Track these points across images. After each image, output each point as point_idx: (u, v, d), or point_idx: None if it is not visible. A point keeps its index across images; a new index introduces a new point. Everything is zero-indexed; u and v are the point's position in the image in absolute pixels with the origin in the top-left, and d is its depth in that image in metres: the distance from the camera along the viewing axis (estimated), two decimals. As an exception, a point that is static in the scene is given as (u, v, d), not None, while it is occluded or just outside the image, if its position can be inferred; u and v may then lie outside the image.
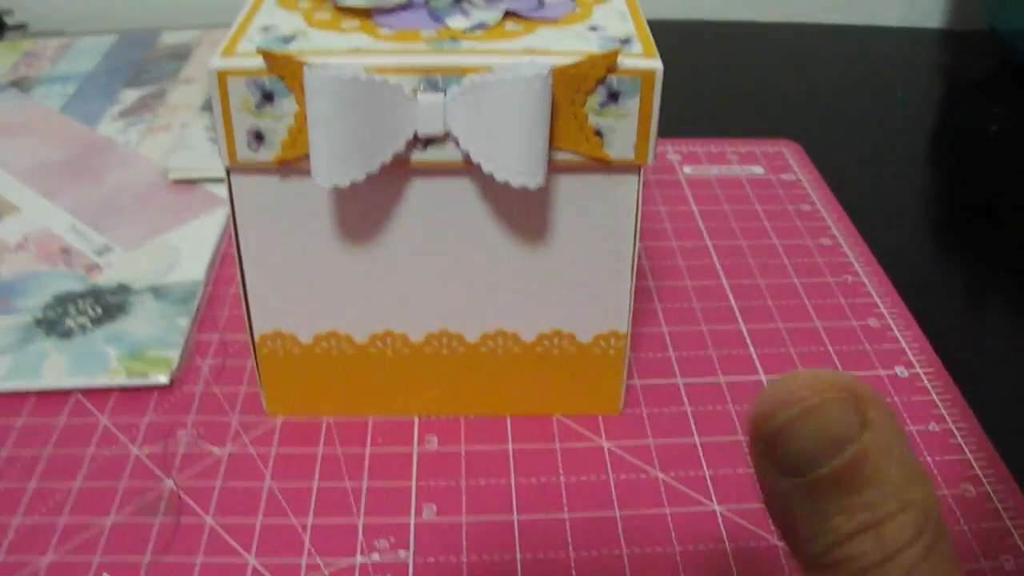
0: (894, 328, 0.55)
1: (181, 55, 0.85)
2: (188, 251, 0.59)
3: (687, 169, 0.70)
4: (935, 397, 0.50)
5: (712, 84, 0.85)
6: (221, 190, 0.65)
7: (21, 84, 0.81)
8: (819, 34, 0.98)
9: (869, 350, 0.53)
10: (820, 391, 0.24)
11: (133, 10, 0.98)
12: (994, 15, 0.88)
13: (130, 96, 0.78)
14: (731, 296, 0.57)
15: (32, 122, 0.75)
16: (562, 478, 0.46)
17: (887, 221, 0.66)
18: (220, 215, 0.63)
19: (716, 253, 0.61)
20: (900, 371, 0.52)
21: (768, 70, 0.89)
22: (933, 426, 0.49)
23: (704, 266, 0.60)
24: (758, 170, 0.70)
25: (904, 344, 0.54)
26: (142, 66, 0.84)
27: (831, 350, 0.53)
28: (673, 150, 0.72)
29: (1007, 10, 0.86)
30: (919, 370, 0.52)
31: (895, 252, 0.62)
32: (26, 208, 0.64)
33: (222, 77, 0.38)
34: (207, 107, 0.75)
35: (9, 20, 0.94)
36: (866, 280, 0.59)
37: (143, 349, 0.52)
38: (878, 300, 0.57)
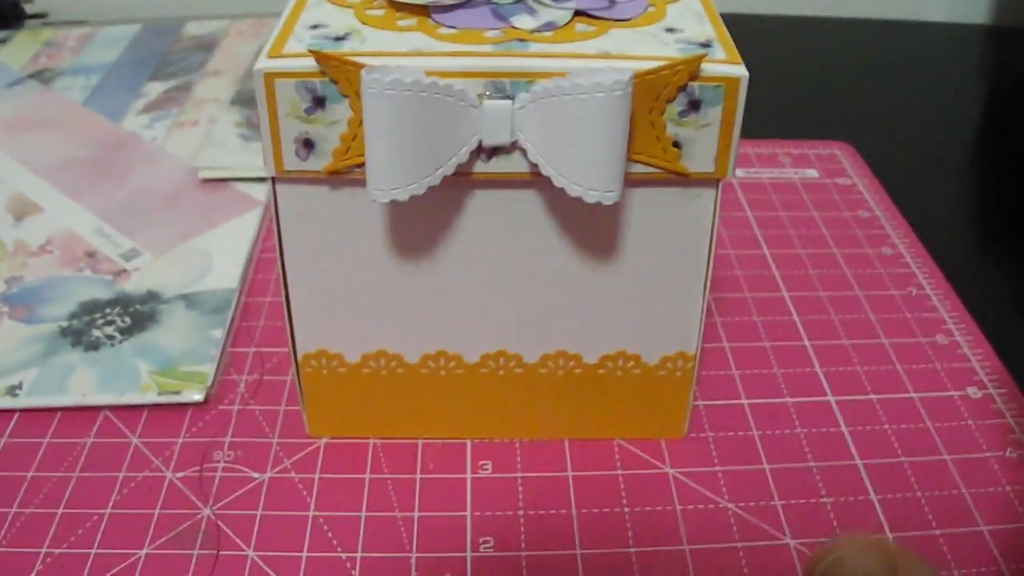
0: (963, 345, 0.52)
1: (207, 46, 0.82)
2: (220, 256, 0.57)
3: (739, 172, 0.67)
4: (1011, 420, 0.48)
5: (756, 80, 0.82)
6: (252, 190, 0.63)
7: (41, 76, 0.78)
8: (862, 29, 0.95)
9: (939, 369, 0.51)
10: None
11: (156, -1, 0.95)
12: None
13: (155, 89, 0.76)
14: (793, 310, 0.54)
15: (55, 116, 0.72)
16: (626, 508, 0.43)
17: (943, 226, 0.63)
18: (252, 217, 0.60)
19: (774, 263, 0.58)
20: (972, 392, 0.49)
21: (812, 66, 0.87)
22: (1011, 452, 0.46)
23: (763, 276, 0.57)
24: (812, 173, 0.67)
25: (975, 363, 0.51)
26: (167, 57, 0.81)
27: (900, 369, 0.51)
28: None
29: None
30: (992, 391, 0.50)
31: (955, 259, 0.59)
32: (49, 208, 0.61)
33: (269, 80, 0.36)
34: (236, 101, 0.72)
35: (29, 8, 0.92)
36: (930, 292, 0.56)
37: (175, 363, 0.49)
38: (945, 315, 0.54)
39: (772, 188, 0.65)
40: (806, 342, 0.52)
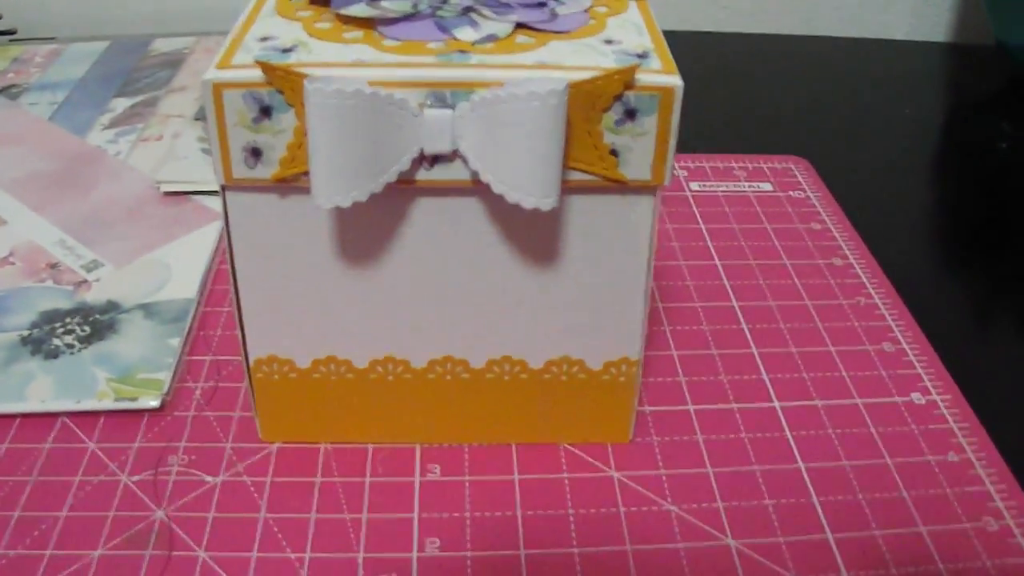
0: (909, 353, 0.53)
1: (173, 63, 0.83)
2: (180, 268, 0.57)
3: (694, 185, 0.68)
4: (953, 425, 0.49)
5: (716, 96, 0.84)
6: (213, 203, 0.63)
7: (9, 91, 0.79)
8: (824, 47, 0.96)
9: (884, 376, 0.52)
10: None
11: (125, 16, 0.96)
12: (1002, 29, 0.87)
13: (121, 104, 0.76)
14: (742, 319, 0.55)
15: (20, 131, 0.73)
16: (571, 510, 0.44)
17: (897, 238, 0.64)
18: (212, 230, 0.61)
19: (725, 273, 0.59)
20: (916, 398, 0.50)
21: (772, 83, 0.88)
22: (952, 456, 0.47)
23: (713, 287, 0.58)
24: (767, 187, 0.68)
25: (920, 369, 0.52)
26: (133, 74, 0.82)
27: (846, 376, 0.52)
28: (679, 165, 0.70)
29: (1015, 24, 0.85)
30: (936, 397, 0.50)
31: (905, 270, 0.60)
32: (13, 221, 0.62)
33: (218, 90, 0.36)
34: (199, 117, 0.73)
35: (-2, 26, 0.93)
36: (879, 302, 0.57)
37: (133, 371, 0.50)
38: (892, 323, 0.55)
39: (726, 201, 0.66)
40: (754, 350, 0.53)
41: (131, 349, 0.51)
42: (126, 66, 0.83)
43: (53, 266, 0.58)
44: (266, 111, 0.37)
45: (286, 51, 0.38)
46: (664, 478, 0.45)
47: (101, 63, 0.84)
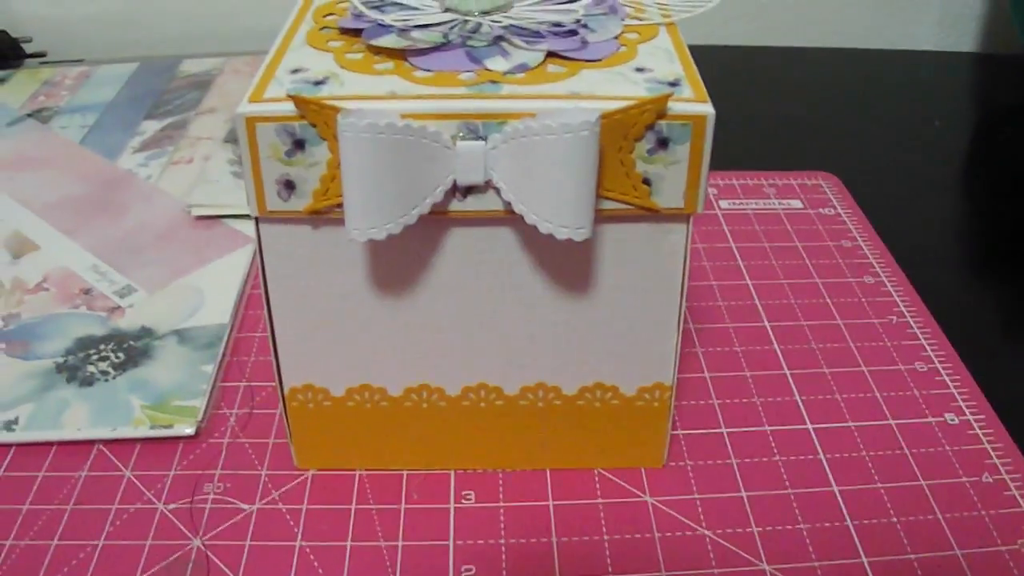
0: (942, 372, 0.53)
1: (202, 84, 0.84)
2: (212, 293, 0.58)
3: (724, 203, 0.68)
4: (988, 446, 0.49)
5: (744, 112, 0.83)
6: (244, 227, 0.64)
7: (39, 115, 0.79)
8: (851, 59, 0.96)
9: (917, 396, 0.52)
10: None
11: (153, 38, 0.96)
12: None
13: (151, 127, 0.77)
14: (774, 339, 0.55)
15: (52, 155, 0.73)
16: (605, 536, 0.44)
17: (928, 254, 0.64)
18: (244, 254, 0.61)
19: (757, 293, 0.59)
20: (950, 418, 0.50)
21: (800, 97, 0.87)
22: (987, 477, 0.47)
23: (745, 307, 0.58)
24: (796, 204, 0.68)
25: (953, 389, 0.52)
26: (163, 96, 0.82)
27: (879, 396, 0.51)
28: (708, 183, 0.70)
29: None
30: (969, 417, 0.50)
31: (937, 287, 0.60)
32: (46, 246, 0.62)
33: (251, 124, 0.37)
34: (229, 139, 0.74)
35: (28, 48, 0.93)
36: (911, 320, 0.57)
37: (167, 398, 0.50)
38: (924, 342, 0.55)
39: (756, 219, 0.66)
40: (786, 371, 0.53)
41: (165, 376, 0.51)
42: (155, 88, 0.84)
43: (87, 292, 0.58)
44: (299, 144, 0.37)
45: (318, 83, 0.38)
46: (698, 502, 0.45)
47: (131, 85, 0.85)
